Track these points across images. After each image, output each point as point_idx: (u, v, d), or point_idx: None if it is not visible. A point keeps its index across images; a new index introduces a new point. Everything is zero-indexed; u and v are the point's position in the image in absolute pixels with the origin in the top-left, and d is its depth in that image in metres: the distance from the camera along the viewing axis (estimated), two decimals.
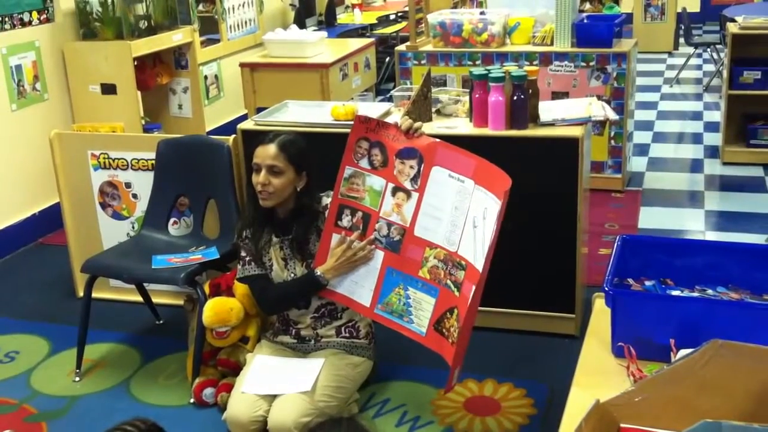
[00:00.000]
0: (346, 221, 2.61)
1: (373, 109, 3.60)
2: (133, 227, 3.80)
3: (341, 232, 2.64)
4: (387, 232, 2.57)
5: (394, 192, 2.55)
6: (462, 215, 2.43)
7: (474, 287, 2.33)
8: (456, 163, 2.46)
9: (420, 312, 2.56)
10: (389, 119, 3.50)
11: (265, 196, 2.70)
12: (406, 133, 2.53)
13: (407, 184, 2.52)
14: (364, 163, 2.55)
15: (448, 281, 2.48)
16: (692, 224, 4.65)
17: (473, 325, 2.43)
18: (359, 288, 2.64)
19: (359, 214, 2.60)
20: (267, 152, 2.69)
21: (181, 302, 3.43)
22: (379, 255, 2.61)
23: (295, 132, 2.87)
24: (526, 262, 3.31)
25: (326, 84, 5.16)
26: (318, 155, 2.80)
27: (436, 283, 2.51)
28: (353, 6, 8.47)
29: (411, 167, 2.52)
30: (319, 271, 2.68)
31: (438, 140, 2.53)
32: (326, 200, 2.75)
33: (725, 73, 5.54)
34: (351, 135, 2.56)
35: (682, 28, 8.59)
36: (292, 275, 2.77)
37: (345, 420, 2.18)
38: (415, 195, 2.52)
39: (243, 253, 2.83)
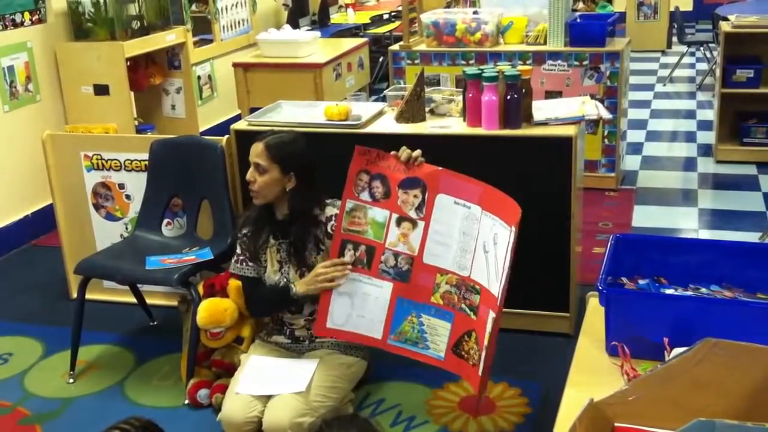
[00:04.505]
0: (348, 256, 2.56)
1: (366, 108, 3.60)
2: (126, 228, 3.79)
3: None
4: (394, 262, 2.54)
5: (399, 222, 2.52)
6: (471, 240, 2.42)
7: (493, 314, 2.32)
8: (461, 190, 2.45)
9: (436, 337, 2.53)
10: (383, 119, 3.51)
11: (252, 193, 2.72)
12: (406, 164, 2.51)
13: (412, 213, 2.50)
14: (365, 195, 2.52)
15: (463, 305, 2.46)
16: (686, 223, 4.66)
17: (494, 351, 2.42)
18: (368, 322, 2.59)
19: (362, 247, 2.56)
20: (255, 150, 2.72)
21: (175, 303, 3.42)
22: (388, 286, 2.56)
23: (295, 133, 2.83)
24: (520, 261, 3.29)
25: (320, 84, 5.16)
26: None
27: (450, 308, 2.49)
28: (346, 6, 8.47)
29: (415, 196, 2.50)
30: (294, 286, 2.68)
31: (440, 168, 2.51)
32: (331, 210, 2.72)
33: (718, 72, 5.55)
34: (351, 168, 2.53)
35: (675, 26, 8.62)
36: (285, 279, 2.76)
37: (360, 418, 2.19)
38: (421, 223, 2.50)
39: (239, 250, 2.83)
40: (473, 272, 2.43)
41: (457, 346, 2.50)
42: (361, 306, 2.58)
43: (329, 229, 2.70)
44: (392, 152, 2.52)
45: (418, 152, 2.52)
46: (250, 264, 2.81)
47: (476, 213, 2.41)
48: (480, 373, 2.39)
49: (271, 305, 2.82)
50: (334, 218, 2.68)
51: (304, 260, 2.73)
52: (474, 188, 2.43)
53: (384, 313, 2.57)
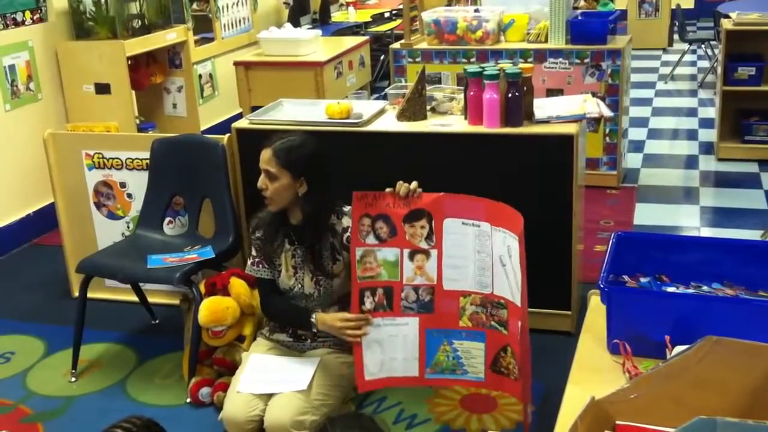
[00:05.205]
0: (368, 303, 2.52)
1: (367, 107, 3.60)
2: (128, 227, 3.79)
3: (370, 314, 2.56)
4: (416, 296, 2.51)
5: (411, 256, 2.49)
6: (488, 257, 2.41)
7: (520, 324, 2.32)
8: (466, 210, 2.43)
9: (472, 360, 2.52)
10: (384, 117, 3.51)
11: (266, 200, 2.69)
12: (405, 198, 2.49)
13: (423, 244, 2.48)
14: (370, 239, 2.49)
15: (493, 322, 2.45)
16: (687, 220, 4.66)
17: (530, 359, 2.41)
18: (402, 363, 2.56)
19: (379, 291, 2.53)
20: (264, 156, 2.67)
21: (176, 302, 3.43)
22: (414, 321, 2.53)
23: (304, 135, 2.77)
24: None
25: (321, 82, 5.15)
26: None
27: (480, 328, 2.48)
28: (348, 4, 8.47)
29: (422, 227, 2.47)
30: (315, 317, 2.66)
31: (441, 193, 2.48)
32: (348, 221, 2.67)
33: (719, 70, 5.55)
34: (353, 215, 2.50)
35: (677, 24, 8.61)
36: (299, 285, 2.74)
37: (364, 416, 2.19)
38: (433, 252, 2.48)
39: (254, 252, 2.81)
40: (495, 288, 2.42)
41: (494, 363, 2.48)
42: (392, 349, 2.54)
43: (345, 240, 2.68)
44: (387, 189, 2.49)
45: (414, 184, 2.48)
46: (266, 266, 2.79)
47: (486, 229, 2.40)
48: (521, 384, 2.40)
49: (287, 322, 2.80)
50: (350, 230, 2.66)
51: (320, 267, 2.70)
52: (478, 205, 2.41)
53: (416, 349, 2.54)
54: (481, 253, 2.42)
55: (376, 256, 2.49)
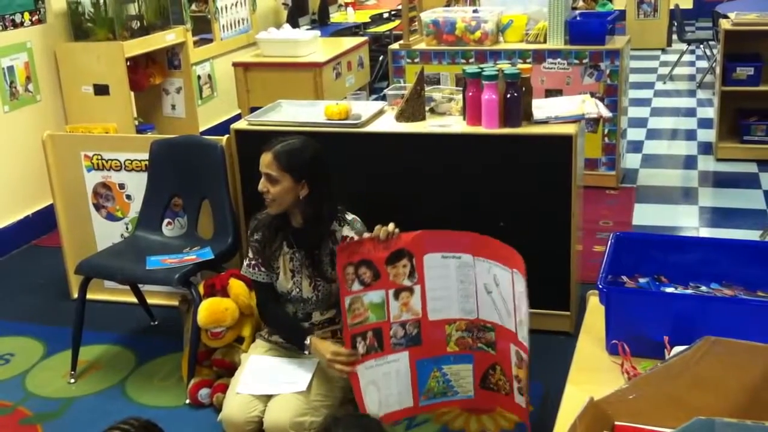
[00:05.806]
0: (361, 347, 2.54)
1: (366, 107, 3.60)
2: (127, 228, 3.79)
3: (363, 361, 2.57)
4: (404, 332, 2.56)
5: (396, 295, 2.53)
6: (471, 285, 2.47)
7: (524, 355, 2.34)
8: (446, 245, 2.48)
9: (461, 380, 2.58)
10: (383, 118, 3.51)
11: (267, 203, 2.68)
12: (385, 241, 2.50)
13: (406, 282, 2.52)
14: (356, 286, 2.51)
15: (480, 344, 2.51)
16: (686, 221, 4.66)
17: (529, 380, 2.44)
18: (397, 397, 2.60)
19: (369, 333, 2.55)
20: (264, 160, 2.66)
21: (175, 303, 3.43)
22: (404, 355, 2.58)
23: (304, 138, 2.75)
24: None
25: (320, 83, 5.16)
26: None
27: (467, 351, 2.54)
28: (346, 4, 8.47)
29: (404, 266, 2.51)
30: (310, 340, 2.65)
31: (419, 231, 2.51)
32: (348, 231, 2.67)
33: (718, 70, 5.55)
34: (338, 267, 2.51)
35: (675, 24, 8.61)
36: (297, 289, 2.73)
37: (367, 416, 2.19)
38: (417, 288, 2.53)
39: (251, 254, 2.80)
40: (481, 313, 2.48)
41: (483, 380, 2.55)
42: (387, 386, 2.59)
43: None
44: (365, 235, 2.51)
45: (391, 226, 2.50)
46: (263, 269, 2.78)
47: (468, 260, 2.46)
48: (523, 405, 2.43)
49: (282, 332, 2.80)
50: (349, 240, 2.64)
51: (319, 272, 2.70)
52: (461, 239, 2.46)
53: (408, 381, 2.60)
54: (464, 282, 2.48)
55: (362, 302, 2.52)
